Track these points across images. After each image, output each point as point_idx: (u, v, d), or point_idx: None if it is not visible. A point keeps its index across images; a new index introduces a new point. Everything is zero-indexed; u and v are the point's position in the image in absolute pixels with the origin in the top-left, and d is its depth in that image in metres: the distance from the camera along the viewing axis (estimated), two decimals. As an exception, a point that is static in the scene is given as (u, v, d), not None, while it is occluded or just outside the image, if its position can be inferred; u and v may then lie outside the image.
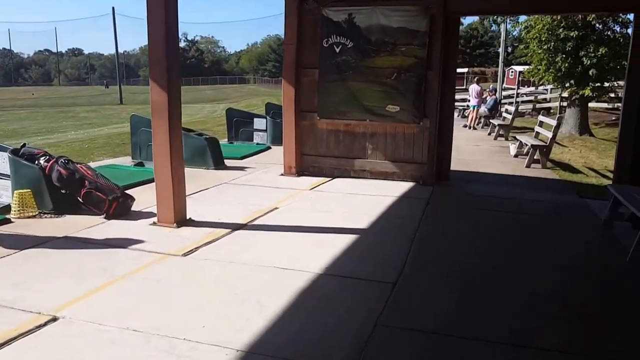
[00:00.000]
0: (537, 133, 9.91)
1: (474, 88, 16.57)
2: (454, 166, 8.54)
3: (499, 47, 38.25)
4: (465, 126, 15.89)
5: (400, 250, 4.37)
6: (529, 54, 14.81)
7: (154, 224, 4.97)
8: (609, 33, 13.89)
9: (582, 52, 13.50)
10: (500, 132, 12.93)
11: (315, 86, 7.50)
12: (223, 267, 3.92)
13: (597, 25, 13.78)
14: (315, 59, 7.42)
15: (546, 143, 8.92)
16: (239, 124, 11.26)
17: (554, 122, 8.91)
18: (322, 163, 7.70)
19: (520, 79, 27.01)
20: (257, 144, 10.83)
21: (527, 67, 16.58)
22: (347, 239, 4.59)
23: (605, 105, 17.66)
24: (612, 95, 15.36)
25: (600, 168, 9.71)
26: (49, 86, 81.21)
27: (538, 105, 22.28)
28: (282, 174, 7.67)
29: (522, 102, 24.50)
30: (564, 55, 13.70)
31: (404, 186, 6.99)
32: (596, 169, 9.51)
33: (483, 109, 15.63)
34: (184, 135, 8.16)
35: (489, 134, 13.78)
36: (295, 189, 6.70)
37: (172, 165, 4.87)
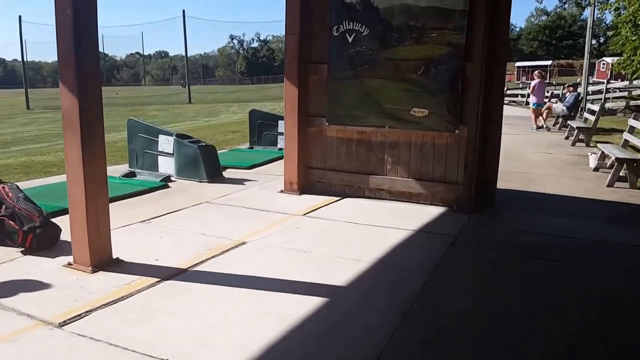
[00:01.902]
0: (626, 142, 7.72)
1: (534, 83, 13.93)
2: (510, 182, 6.80)
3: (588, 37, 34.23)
4: (538, 128, 13.58)
5: (379, 333, 2.85)
6: (620, 42, 12.24)
7: (69, 264, 3.81)
8: None
9: (691, 38, 10.85)
10: (579, 137, 10.66)
11: (324, 85, 6.05)
12: (91, 355, 2.64)
13: None
14: (325, 51, 5.97)
15: (638, 157, 6.79)
16: (262, 126, 10.04)
17: (650, 129, 6.80)
18: (331, 179, 6.23)
19: (612, 71, 23.61)
20: (280, 149, 9.55)
21: (618, 58, 13.81)
22: (307, 306, 3.14)
23: None
24: None
25: None
26: (137, 86, 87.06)
27: (632, 102, 19.09)
28: (281, 191, 6.30)
29: (614, 98, 21.28)
30: (665, 42, 11.11)
31: (428, 213, 5.35)
32: None
33: (561, 108, 13.24)
34: (176, 143, 7.19)
35: (567, 137, 11.49)
36: (286, 213, 5.30)
37: (88, 193, 3.66)
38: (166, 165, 7.10)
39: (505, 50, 5.33)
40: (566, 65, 57.06)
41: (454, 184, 5.53)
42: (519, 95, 28.45)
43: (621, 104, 19.82)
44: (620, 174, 6.81)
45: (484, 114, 5.34)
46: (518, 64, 56.90)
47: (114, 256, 3.86)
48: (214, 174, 6.88)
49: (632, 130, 7.65)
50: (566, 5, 16.66)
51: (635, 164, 6.68)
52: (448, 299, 3.36)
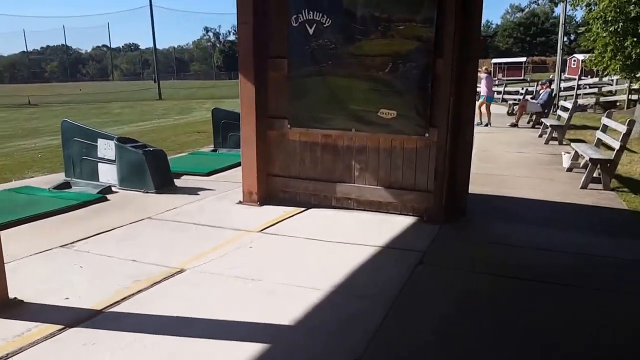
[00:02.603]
0: (599, 140, 7.43)
1: (481, 77, 13.66)
2: (483, 185, 6.43)
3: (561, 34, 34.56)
4: (512, 125, 13.35)
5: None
6: (591, 38, 12.05)
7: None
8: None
9: (660, 35, 10.69)
10: (553, 135, 10.40)
11: (285, 83, 5.52)
12: None
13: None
14: (285, 44, 5.43)
15: (611, 157, 6.49)
16: (227, 127, 9.37)
17: (622, 128, 6.46)
18: (295, 187, 5.72)
19: (583, 68, 23.73)
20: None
21: (589, 55, 13.67)
22: (239, 358, 2.62)
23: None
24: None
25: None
26: (105, 81, 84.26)
27: (602, 99, 19.13)
28: (240, 202, 5.75)
29: (584, 94, 21.35)
30: (635, 39, 10.87)
31: (397, 225, 4.89)
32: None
33: (535, 105, 13.02)
34: (117, 148, 6.35)
35: (540, 135, 11.24)
36: (240, 229, 4.76)
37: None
38: (108, 174, 6.40)
39: (478, 45, 4.90)
40: (539, 61, 57.62)
41: (425, 192, 5.08)
42: (495, 92, 28.42)
43: (591, 100, 19.85)
44: (594, 174, 6.51)
45: (455, 116, 4.90)
46: (494, 60, 57.28)
47: (12, 296, 3.21)
48: (163, 183, 6.26)
49: (604, 128, 7.36)
50: (540, 1, 16.38)
51: (608, 164, 6.38)
52: (409, 338, 2.86)
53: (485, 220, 5.12)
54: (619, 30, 11.05)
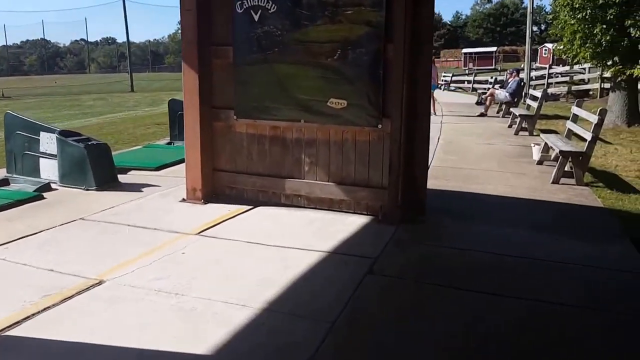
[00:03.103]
0: (570, 131, 7.18)
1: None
2: (447, 180, 6.18)
3: (532, 23, 34.57)
4: (481, 115, 13.12)
5: None
6: (559, 26, 11.83)
7: None
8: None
9: (629, 21, 10.44)
10: (523, 125, 10.17)
11: (231, 72, 5.09)
12: None
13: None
14: (229, 31, 5.00)
15: (583, 149, 6.22)
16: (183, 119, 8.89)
17: (594, 118, 6.19)
18: (242, 183, 5.31)
19: (554, 57, 23.71)
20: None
21: (558, 43, 13.48)
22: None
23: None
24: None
25: (660, 180, 6.95)
26: (82, 74, 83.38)
27: (574, 88, 19.10)
28: (183, 200, 5.32)
29: (556, 83, 21.34)
30: (604, 26, 10.65)
31: (349, 226, 4.53)
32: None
33: (503, 94, 12.80)
34: (59, 142, 5.95)
35: (510, 126, 11.01)
36: (177, 231, 4.34)
37: None
38: (49, 170, 5.94)
39: (430, 30, 4.53)
40: (510, 51, 57.88)
41: (379, 188, 4.73)
42: (465, 82, 28.36)
43: (564, 89, 19.83)
44: (566, 168, 6.24)
45: (410, 105, 4.55)
46: (465, 50, 57.44)
47: None
48: (106, 179, 5.79)
49: (575, 118, 7.11)
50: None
51: (580, 157, 6.10)
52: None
53: (446, 219, 4.78)
54: (587, 17, 10.83)
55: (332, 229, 4.47)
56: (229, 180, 5.35)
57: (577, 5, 10.95)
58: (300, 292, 3.27)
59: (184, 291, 3.22)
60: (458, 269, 3.65)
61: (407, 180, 4.71)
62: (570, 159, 6.14)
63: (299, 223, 4.66)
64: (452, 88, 28.16)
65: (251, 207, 5.10)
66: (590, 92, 18.43)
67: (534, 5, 17.27)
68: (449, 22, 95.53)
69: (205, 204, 5.20)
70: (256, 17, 4.80)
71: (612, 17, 10.61)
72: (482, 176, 6.58)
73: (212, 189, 5.36)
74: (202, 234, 4.33)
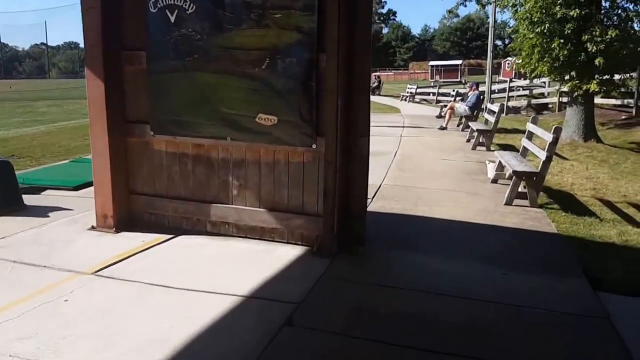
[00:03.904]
0: (525, 150, 6.81)
1: None
2: (397, 201, 5.72)
3: (495, 38, 35.08)
4: (442, 128, 12.80)
5: None
6: (518, 39, 11.67)
7: None
8: (619, 11, 10.79)
9: (586, 36, 10.35)
10: (480, 140, 9.85)
11: (146, 81, 4.45)
12: None
13: (604, 1, 10.70)
14: (143, 34, 4.37)
15: (537, 169, 5.82)
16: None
17: (548, 136, 5.81)
18: (162, 208, 4.64)
19: (516, 70, 23.87)
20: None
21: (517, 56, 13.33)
22: None
23: (613, 101, 14.56)
24: (623, 90, 12.24)
25: (617, 199, 6.64)
26: (42, 79, 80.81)
27: (534, 101, 19.16)
28: (92, 227, 4.62)
29: (517, 96, 21.43)
30: (562, 40, 10.52)
31: (278, 260, 3.93)
32: (613, 202, 6.44)
33: (463, 108, 12.53)
34: None
35: (468, 140, 10.68)
36: (70, 270, 3.64)
37: None
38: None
39: (368, 38, 4.01)
40: (476, 64, 59.07)
41: (315, 216, 4.15)
42: (431, 94, 28.27)
43: (524, 102, 19.90)
44: (520, 188, 5.84)
45: (347, 122, 4.01)
46: (431, 63, 58.31)
47: None
48: (7, 202, 5.01)
49: (530, 135, 6.75)
50: (466, 3, 16.04)
51: (534, 178, 5.71)
52: None
53: (387, 250, 4.24)
54: (545, 31, 10.68)
55: (259, 264, 3.86)
56: (147, 205, 4.68)
57: (535, 19, 10.80)
58: (196, 355, 2.64)
59: (45, 359, 2.54)
60: (392, 318, 3.10)
61: (344, 207, 4.16)
62: (524, 179, 5.74)
63: (221, 257, 4.04)
64: (417, 100, 28.09)
65: (172, 236, 4.44)
66: (550, 106, 18.52)
67: (499, 21, 17.31)
68: (417, 35, 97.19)
69: (118, 232, 4.51)
70: (172, 18, 4.18)
71: (569, 31, 10.50)
72: (434, 196, 6.11)
73: (128, 214, 4.68)
74: (99, 273, 3.65)
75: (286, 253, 4.07)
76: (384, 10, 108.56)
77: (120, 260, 3.87)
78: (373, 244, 4.29)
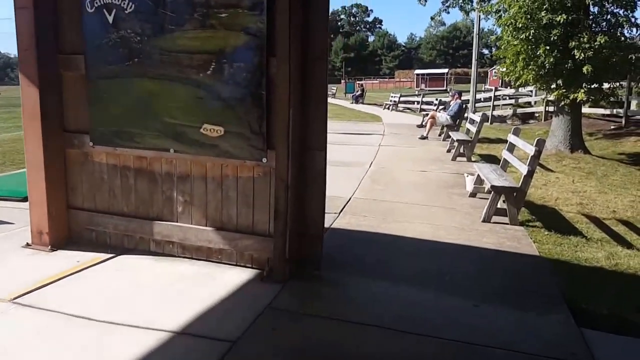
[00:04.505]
0: (506, 162, 6.47)
1: None
2: (365, 217, 5.38)
3: (482, 46, 35.00)
4: (422, 138, 12.48)
5: None
6: (502, 46, 11.38)
7: None
8: (609, 17, 10.52)
9: (573, 43, 10.07)
10: (461, 150, 9.52)
11: (85, 87, 4.05)
12: None
13: (592, 6, 10.42)
14: (80, 36, 3.98)
15: (517, 184, 5.47)
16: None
17: (530, 149, 5.47)
18: (103, 225, 4.23)
19: (503, 79, 23.73)
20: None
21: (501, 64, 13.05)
22: None
23: (601, 111, 14.32)
24: (612, 99, 11.97)
25: (606, 215, 6.29)
26: None
27: (520, 110, 18.94)
28: (27, 245, 4.20)
29: (504, 105, 21.23)
30: (547, 47, 10.22)
31: (222, 287, 3.52)
32: (601, 218, 6.09)
33: (444, 117, 12.22)
34: None
35: (448, 150, 10.36)
36: (-18, 298, 3.24)
37: None
38: None
39: (325, 41, 3.64)
40: (462, 73, 59.24)
41: (267, 236, 3.76)
42: (415, 102, 28.00)
43: (510, 111, 19.69)
44: (499, 205, 5.49)
45: (301, 134, 3.64)
46: (417, 71, 58.46)
47: None
48: None
49: (512, 147, 6.41)
50: (449, 9, 15.84)
51: (515, 194, 5.36)
52: None
53: (347, 275, 3.85)
54: (530, 37, 10.40)
55: (200, 290, 3.46)
56: (88, 221, 4.27)
57: (520, 25, 10.50)
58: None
59: None
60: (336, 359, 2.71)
61: (300, 226, 3.77)
62: (503, 195, 5.39)
63: (159, 282, 3.63)
64: (401, 109, 27.83)
65: (111, 255, 4.04)
66: (536, 115, 18.30)
67: (485, 29, 17.16)
68: (403, 44, 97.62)
69: (54, 251, 4.10)
70: (110, 19, 3.79)
71: (556, 38, 10.22)
72: (406, 211, 5.75)
73: (67, 231, 4.27)
74: (18, 300, 3.23)
75: (232, 278, 3.67)
76: (370, 19, 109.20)
77: (47, 284, 3.46)
78: (332, 268, 3.90)
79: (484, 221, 5.40)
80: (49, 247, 4.12)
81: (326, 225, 4.99)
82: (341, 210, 5.61)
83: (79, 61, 3.99)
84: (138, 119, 3.91)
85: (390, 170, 8.20)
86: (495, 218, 5.44)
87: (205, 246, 3.95)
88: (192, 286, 3.55)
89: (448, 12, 16.16)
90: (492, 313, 3.32)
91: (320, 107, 3.68)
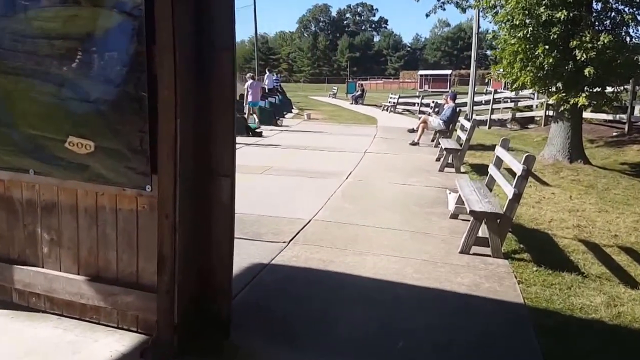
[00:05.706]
0: (492, 180, 5.44)
1: (248, 84, 14.13)
2: (320, 247, 4.39)
3: (486, 47, 33.90)
4: (413, 144, 11.45)
5: None
6: (499, 46, 10.35)
7: None
8: (613, 14, 9.50)
9: (574, 42, 9.01)
10: (449, 160, 8.49)
11: None
12: None
13: (595, 2, 9.42)
14: None
15: (502, 209, 4.44)
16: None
17: (518, 168, 4.44)
18: (-47, 268, 3.23)
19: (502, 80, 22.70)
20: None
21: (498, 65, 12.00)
22: None
23: (603, 116, 13.29)
24: (616, 104, 10.97)
25: (607, 240, 5.29)
26: None
27: (518, 114, 17.91)
28: None
29: (504, 108, 20.21)
30: (547, 47, 9.17)
31: (77, 367, 2.54)
32: (601, 245, 5.09)
33: (437, 122, 11.19)
34: None
35: (438, 158, 9.33)
36: None
37: None
38: None
39: (229, 26, 2.62)
40: (466, 75, 58.17)
41: (154, 292, 2.75)
42: (415, 104, 26.75)
43: (511, 114, 18.67)
44: (480, 232, 4.48)
45: (200, 152, 2.63)
46: (420, 72, 57.51)
47: None
48: None
49: (499, 163, 5.38)
50: (445, 6, 14.82)
51: (498, 220, 4.34)
52: None
53: (268, 344, 2.81)
54: (528, 35, 9.37)
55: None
56: None
57: (517, 22, 9.48)
58: None
59: None
60: None
61: (198, 279, 2.75)
62: (484, 221, 4.37)
63: (3, 352, 2.62)
64: (399, 110, 26.82)
65: (-39, 308, 3.03)
66: (537, 119, 17.29)
67: (488, 30, 16.16)
68: (408, 44, 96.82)
69: None
70: (-57, -9, 2.79)
71: (555, 36, 9.17)
72: (373, 239, 4.73)
73: None
74: None
75: (102, 351, 2.65)
76: (376, 18, 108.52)
77: None
78: (251, 331, 2.89)
79: (461, 252, 4.40)
80: None
81: (266, 261, 4.03)
82: (292, 239, 4.59)
83: None
84: (-13, 128, 2.90)
85: (368, 183, 7.18)
86: (475, 248, 4.44)
87: (77, 302, 2.92)
88: (42, 363, 2.54)
89: (444, 9, 15.13)
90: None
91: (227, 115, 2.65)
